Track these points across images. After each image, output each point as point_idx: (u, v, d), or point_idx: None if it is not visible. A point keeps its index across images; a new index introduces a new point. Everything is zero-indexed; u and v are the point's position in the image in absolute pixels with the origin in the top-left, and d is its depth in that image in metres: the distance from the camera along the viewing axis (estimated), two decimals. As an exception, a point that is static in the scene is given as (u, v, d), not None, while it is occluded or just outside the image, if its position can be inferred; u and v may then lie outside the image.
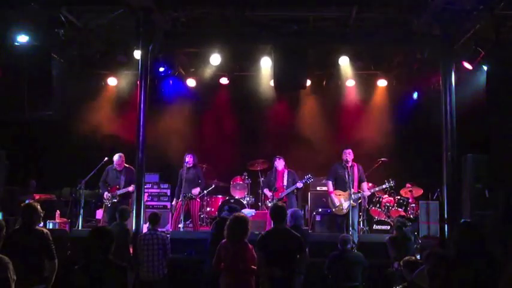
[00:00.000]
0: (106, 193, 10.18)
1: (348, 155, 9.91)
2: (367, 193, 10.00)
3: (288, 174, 10.51)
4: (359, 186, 9.94)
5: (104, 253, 4.40)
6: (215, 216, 10.80)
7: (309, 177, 10.39)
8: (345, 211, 9.70)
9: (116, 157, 10.28)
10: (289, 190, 10.33)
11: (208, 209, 11.32)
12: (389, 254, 7.71)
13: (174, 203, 10.73)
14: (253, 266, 5.91)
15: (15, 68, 8.50)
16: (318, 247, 8.09)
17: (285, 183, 10.43)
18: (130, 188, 9.96)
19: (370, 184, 10.56)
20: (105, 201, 10.24)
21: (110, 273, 4.33)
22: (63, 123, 11.91)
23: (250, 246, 5.95)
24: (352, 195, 9.61)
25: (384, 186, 10.15)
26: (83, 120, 12.35)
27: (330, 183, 10.12)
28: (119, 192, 10.07)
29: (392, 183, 10.08)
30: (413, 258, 6.30)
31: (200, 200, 10.79)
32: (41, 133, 11.84)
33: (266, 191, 10.65)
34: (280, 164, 10.57)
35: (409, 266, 6.04)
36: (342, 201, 9.78)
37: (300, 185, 10.33)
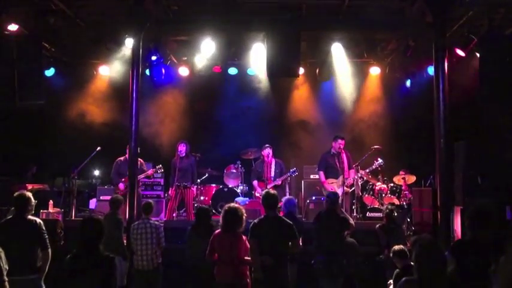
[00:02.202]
0: (121, 184, 10.09)
1: (341, 144, 9.98)
2: (353, 174, 10.00)
3: (275, 165, 10.55)
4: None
5: (94, 243, 4.37)
6: (209, 204, 10.82)
7: (294, 171, 10.45)
8: (339, 199, 9.76)
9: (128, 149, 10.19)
10: (273, 184, 10.37)
11: (202, 197, 11.30)
12: (380, 242, 7.75)
13: (170, 192, 10.74)
14: (246, 257, 5.92)
15: (5, 57, 8.42)
16: (311, 235, 8.09)
17: (272, 174, 10.48)
18: (150, 172, 10.17)
19: (362, 171, 10.62)
20: (117, 192, 10.13)
21: (98, 263, 4.32)
22: (55, 112, 11.87)
23: (244, 237, 5.96)
24: (346, 181, 9.69)
25: (373, 166, 10.17)
26: (74, 110, 12.28)
27: (321, 173, 10.20)
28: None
29: (381, 162, 10.11)
30: (401, 246, 6.38)
31: (194, 189, 10.80)
32: (33, 122, 11.77)
33: (255, 183, 10.65)
34: (268, 153, 10.57)
35: (398, 255, 6.19)
36: (335, 188, 9.82)
37: (278, 182, 10.41)
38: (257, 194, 10.50)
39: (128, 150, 10.09)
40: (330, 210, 7.20)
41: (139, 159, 9.79)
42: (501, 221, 7.44)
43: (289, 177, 10.60)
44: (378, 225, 8.00)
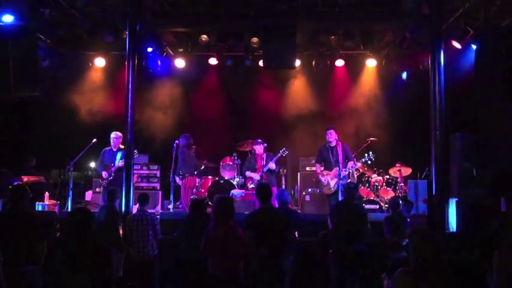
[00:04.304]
0: (104, 172, 10.15)
1: (330, 135, 9.96)
2: (349, 165, 9.98)
3: (266, 156, 10.58)
4: (345, 165, 9.98)
5: (83, 233, 4.36)
6: (205, 196, 10.83)
7: (284, 151, 10.45)
8: (332, 190, 9.79)
9: (112, 137, 10.19)
10: (267, 167, 10.39)
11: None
12: (385, 234, 7.78)
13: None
14: (241, 249, 5.90)
15: (0, 48, 8.37)
16: (307, 227, 8.13)
17: (264, 163, 10.50)
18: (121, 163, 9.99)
19: (358, 164, 10.68)
20: (102, 183, 10.18)
21: (93, 254, 4.31)
22: (50, 104, 11.83)
23: (237, 227, 5.95)
24: (341, 172, 9.72)
25: (363, 159, 10.18)
26: (70, 102, 12.24)
27: (318, 165, 10.23)
28: (113, 168, 10.03)
29: (372, 156, 10.10)
30: (395, 239, 6.44)
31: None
32: (29, 114, 11.73)
33: (248, 173, 10.68)
34: (259, 148, 10.62)
35: (393, 247, 6.25)
36: (328, 180, 9.86)
37: (272, 165, 10.39)
38: (251, 186, 10.57)
39: (110, 139, 10.17)
40: (347, 201, 7.28)
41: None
42: (496, 213, 7.49)
43: (280, 158, 10.56)
44: (384, 217, 8.05)
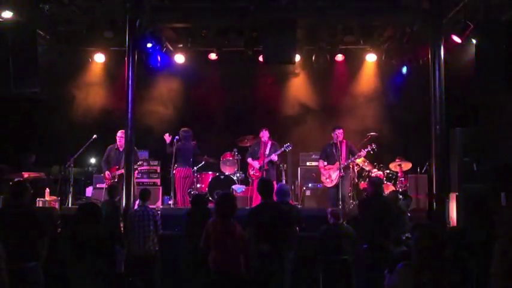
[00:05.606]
0: (107, 172, 10.08)
1: (338, 134, 10.11)
2: (361, 153, 10.17)
3: (271, 146, 10.66)
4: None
5: (92, 228, 4.37)
6: (205, 192, 10.86)
7: (288, 145, 10.51)
8: (334, 182, 9.92)
9: (118, 135, 10.07)
10: (269, 159, 10.45)
11: (198, 185, 11.32)
12: None
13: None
14: (241, 243, 5.89)
15: (-1, 45, 8.35)
16: (308, 222, 8.13)
17: (267, 152, 10.56)
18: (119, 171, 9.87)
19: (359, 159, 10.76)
20: (105, 182, 10.16)
21: (97, 249, 4.32)
22: (50, 100, 11.82)
23: (237, 223, 5.94)
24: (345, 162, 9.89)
25: (366, 149, 10.26)
26: (70, 98, 12.24)
27: (321, 161, 10.43)
28: (118, 172, 9.90)
29: (374, 147, 10.18)
30: (394, 234, 6.43)
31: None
32: (29, 110, 11.73)
33: (250, 160, 10.75)
34: (265, 135, 10.69)
35: (394, 241, 6.25)
36: (330, 173, 10.08)
37: (274, 157, 10.43)
38: (252, 172, 10.68)
39: (116, 138, 10.11)
40: (375, 196, 7.23)
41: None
42: (496, 207, 7.49)
43: (283, 152, 10.62)
44: None
